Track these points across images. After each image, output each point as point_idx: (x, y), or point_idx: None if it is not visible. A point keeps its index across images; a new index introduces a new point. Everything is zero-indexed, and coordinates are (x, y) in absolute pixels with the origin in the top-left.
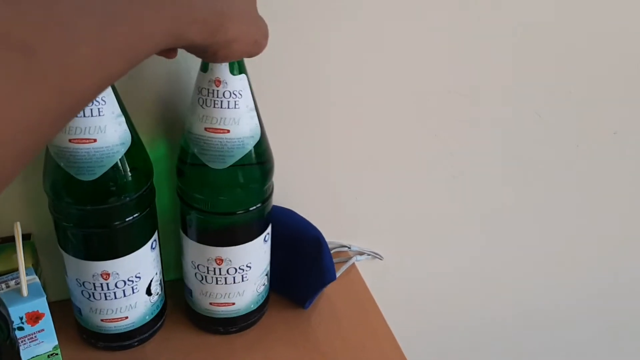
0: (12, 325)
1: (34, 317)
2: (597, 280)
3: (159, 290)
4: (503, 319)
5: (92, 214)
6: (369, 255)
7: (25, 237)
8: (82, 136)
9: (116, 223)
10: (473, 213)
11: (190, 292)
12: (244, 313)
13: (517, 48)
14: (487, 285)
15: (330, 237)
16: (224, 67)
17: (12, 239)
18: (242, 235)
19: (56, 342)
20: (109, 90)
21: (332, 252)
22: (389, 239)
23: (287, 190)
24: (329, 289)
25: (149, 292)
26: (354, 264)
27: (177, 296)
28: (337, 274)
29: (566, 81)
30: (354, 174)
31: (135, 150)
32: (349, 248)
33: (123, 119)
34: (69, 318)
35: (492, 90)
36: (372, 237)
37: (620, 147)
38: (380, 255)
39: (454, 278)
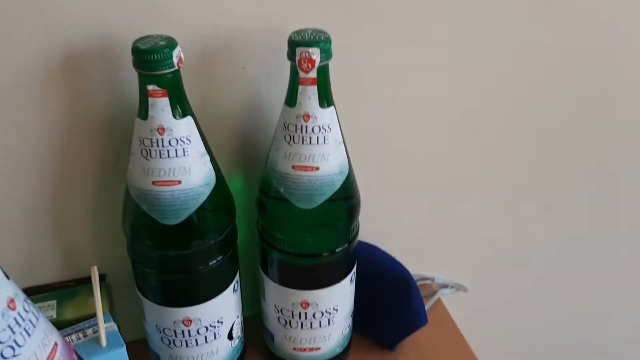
0: None
1: None
2: None
3: (239, 333)
4: (605, 346)
5: (174, 258)
6: (453, 287)
7: (100, 279)
8: (166, 178)
9: (200, 267)
10: (555, 239)
11: (272, 336)
12: (329, 357)
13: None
14: (579, 310)
15: (411, 269)
16: (314, 100)
17: (85, 280)
18: (328, 277)
19: None
20: (194, 127)
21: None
22: (472, 268)
23: (365, 223)
24: None
25: (230, 336)
26: (439, 298)
27: (254, 335)
28: None
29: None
30: (433, 204)
31: (219, 189)
32: (432, 280)
33: (208, 157)
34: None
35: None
36: (455, 267)
37: None
38: (464, 287)
39: (542, 304)
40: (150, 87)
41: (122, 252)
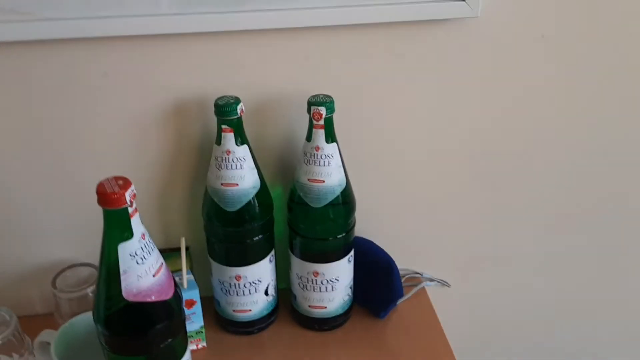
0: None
1: (190, 303)
2: None
3: (273, 292)
4: (562, 346)
5: (232, 233)
6: (437, 282)
7: (186, 249)
8: (229, 181)
9: (247, 241)
10: (538, 253)
11: (295, 296)
12: (333, 315)
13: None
14: (544, 314)
15: (405, 264)
16: (322, 138)
17: (177, 249)
18: (332, 255)
19: (202, 323)
20: (248, 152)
21: (406, 277)
22: (457, 269)
23: (371, 226)
24: (402, 306)
25: (266, 292)
26: (423, 287)
27: (285, 301)
28: (408, 294)
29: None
30: (428, 212)
31: (262, 192)
32: (421, 275)
33: (256, 171)
34: (210, 309)
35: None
36: (442, 267)
37: None
38: (447, 283)
39: (512, 307)
40: (223, 126)
41: (201, 231)
